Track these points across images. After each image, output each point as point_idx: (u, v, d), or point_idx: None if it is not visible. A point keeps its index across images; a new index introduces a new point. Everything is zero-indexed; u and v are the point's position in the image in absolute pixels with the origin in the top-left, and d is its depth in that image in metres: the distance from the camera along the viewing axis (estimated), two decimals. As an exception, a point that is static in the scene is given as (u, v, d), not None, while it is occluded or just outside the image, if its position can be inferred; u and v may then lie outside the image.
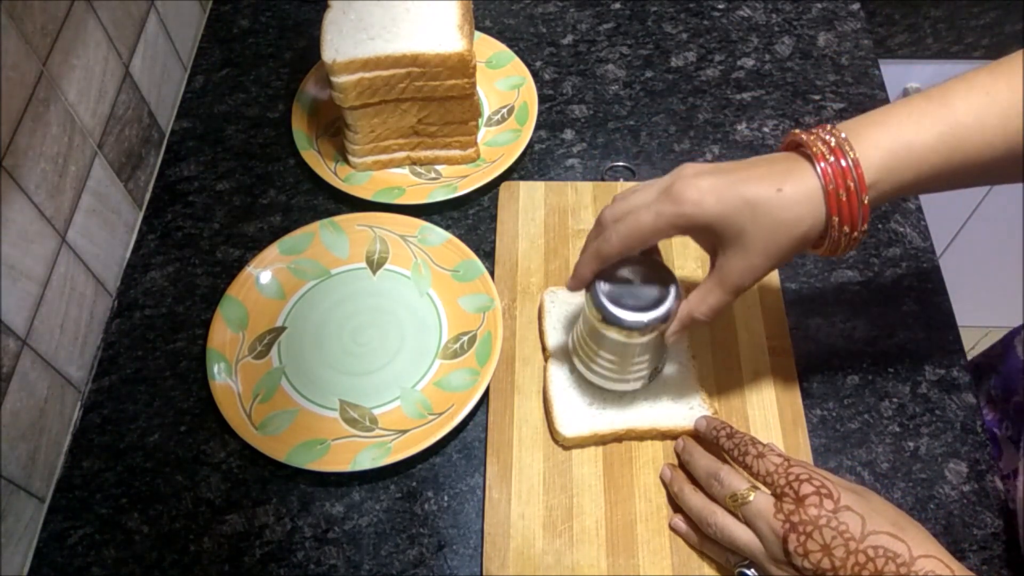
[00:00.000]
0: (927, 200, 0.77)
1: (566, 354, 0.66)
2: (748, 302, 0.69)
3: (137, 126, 0.76)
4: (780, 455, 0.54)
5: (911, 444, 0.64)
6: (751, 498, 0.53)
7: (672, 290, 0.56)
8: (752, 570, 0.53)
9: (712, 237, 0.53)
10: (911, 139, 0.50)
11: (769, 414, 0.64)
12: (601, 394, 0.64)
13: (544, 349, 0.67)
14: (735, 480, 0.55)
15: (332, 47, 0.70)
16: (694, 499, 0.57)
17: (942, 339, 0.69)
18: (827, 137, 0.50)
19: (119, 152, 0.73)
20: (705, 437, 0.60)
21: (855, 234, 0.51)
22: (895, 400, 0.66)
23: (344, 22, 0.72)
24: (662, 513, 0.60)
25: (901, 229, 0.75)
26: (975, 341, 0.94)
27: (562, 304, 0.68)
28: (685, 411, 0.63)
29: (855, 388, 0.67)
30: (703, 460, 0.58)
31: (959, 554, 0.59)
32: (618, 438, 0.63)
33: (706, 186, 0.51)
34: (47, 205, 0.62)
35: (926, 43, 1.25)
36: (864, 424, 0.65)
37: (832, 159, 0.50)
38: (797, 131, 0.53)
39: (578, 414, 0.63)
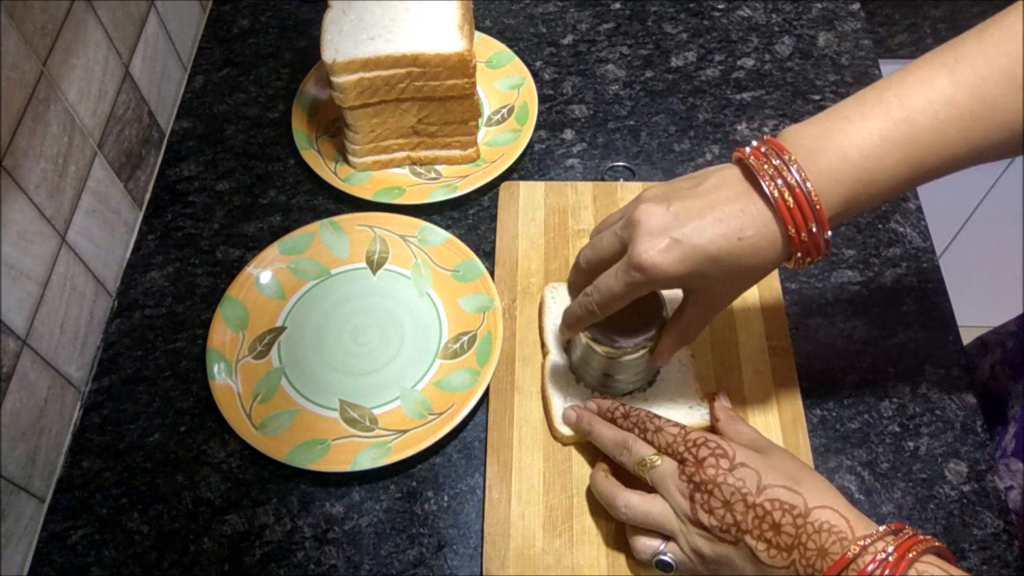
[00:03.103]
0: (927, 200, 0.77)
1: (565, 351, 0.66)
2: (748, 302, 0.69)
3: (137, 126, 0.76)
4: (677, 426, 0.56)
5: (911, 444, 0.64)
6: (659, 462, 0.55)
7: (659, 314, 0.60)
8: (669, 555, 0.54)
9: (681, 287, 0.55)
10: (874, 170, 0.49)
11: (769, 414, 0.64)
12: (599, 392, 0.64)
13: (543, 345, 0.67)
14: (642, 447, 0.56)
15: (332, 47, 0.70)
16: (604, 485, 0.58)
17: (942, 339, 0.69)
18: (785, 175, 0.49)
19: (119, 152, 0.73)
20: (601, 418, 0.61)
21: (818, 259, 0.52)
22: (895, 400, 0.66)
23: (344, 22, 0.72)
24: (662, 513, 0.60)
25: (901, 229, 0.75)
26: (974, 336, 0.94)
27: (563, 301, 0.68)
28: (685, 410, 0.63)
29: (855, 388, 0.67)
30: (607, 430, 0.59)
31: (959, 554, 0.59)
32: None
33: (664, 246, 0.50)
34: (47, 205, 0.62)
35: (926, 43, 1.25)
36: (864, 424, 0.65)
37: (792, 203, 0.49)
38: (745, 156, 0.51)
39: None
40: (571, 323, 0.60)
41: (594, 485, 0.59)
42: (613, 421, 0.60)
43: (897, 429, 0.65)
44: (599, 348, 0.60)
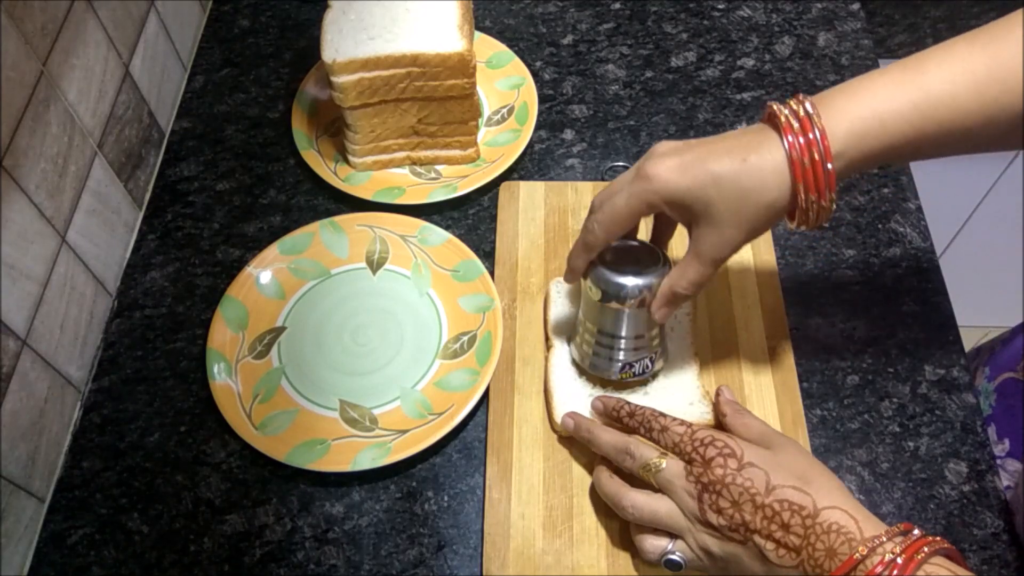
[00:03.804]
0: (927, 200, 0.77)
1: (568, 345, 0.66)
2: (748, 302, 0.69)
3: (137, 126, 0.76)
4: (683, 424, 0.55)
5: (911, 444, 0.64)
6: (663, 465, 0.54)
7: (663, 264, 0.59)
8: (678, 554, 0.54)
9: (685, 212, 0.54)
10: (881, 108, 0.50)
11: (769, 414, 0.64)
12: (602, 386, 0.64)
13: (547, 339, 0.67)
14: (645, 450, 0.56)
15: (332, 47, 0.70)
16: (609, 485, 0.57)
17: (942, 339, 0.69)
18: (796, 108, 0.51)
19: (119, 152, 0.73)
20: (607, 417, 0.61)
21: (823, 202, 0.51)
22: (895, 400, 0.66)
23: (344, 22, 0.72)
24: (662, 513, 0.60)
25: (901, 229, 0.75)
26: (975, 341, 0.94)
27: (568, 295, 0.69)
28: (685, 407, 0.63)
29: (855, 388, 0.67)
30: (606, 435, 0.58)
31: (959, 554, 0.59)
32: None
33: (673, 163, 0.52)
34: (47, 205, 0.62)
35: (926, 43, 1.25)
36: (864, 424, 0.65)
37: (798, 127, 0.50)
38: (772, 103, 0.53)
39: (578, 406, 0.63)
40: (574, 254, 0.59)
41: (599, 485, 0.58)
42: (619, 420, 0.59)
43: (897, 429, 0.65)
44: (599, 297, 0.59)
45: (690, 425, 0.55)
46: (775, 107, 0.52)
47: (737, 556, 0.51)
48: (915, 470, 0.63)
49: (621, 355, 0.62)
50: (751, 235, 0.53)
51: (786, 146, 0.50)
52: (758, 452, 0.53)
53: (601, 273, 0.59)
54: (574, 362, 0.66)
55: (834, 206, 0.51)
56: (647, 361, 0.63)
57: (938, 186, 1.23)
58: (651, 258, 0.60)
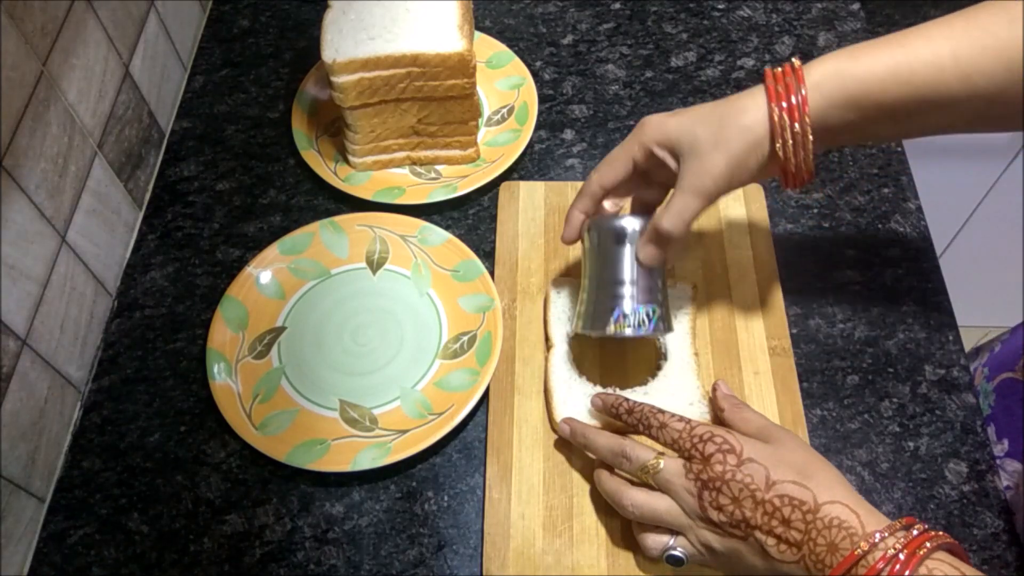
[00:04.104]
0: (927, 200, 0.77)
1: (569, 345, 0.66)
2: (748, 302, 0.69)
3: (137, 126, 0.76)
4: (681, 420, 0.56)
5: (911, 444, 0.64)
6: (661, 465, 0.54)
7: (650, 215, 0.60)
8: (679, 549, 0.54)
9: (673, 150, 0.57)
10: (859, 57, 0.54)
11: (769, 414, 0.64)
12: (603, 385, 0.64)
13: (547, 339, 0.67)
14: (641, 452, 0.56)
15: (332, 47, 0.69)
16: (609, 483, 0.57)
17: (942, 339, 0.69)
18: (784, 66, 0.56)
19: (119, 152, 0.73)
20: (606, 413, 0.61)
21: (797, 127, 0.54)
22: (895, 400, 0.66)
23: (344, 22, 0.72)
24: (662, 513, 0.60)
25: (901, 229, 0.75)
26: (975, 341, 0.94)
27: (568, 295, 0.69)
28: (684, 406, 0.63)
29: (855, 388, 0.67)
30: (602, 439, 0.58)
31: (959, 554, 0.59)
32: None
33: (664, 115, 0.59)
34: (47, 205, 0.62)
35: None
36: (864, 424, 0.65)
37: (779, 73, 0.55)
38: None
39: (578, 405, 0.63)
40: (571, 208, 0.62)
41: (600, 484, 0.58)
42: (617, 417, 0.59)
43: (897, 429, 0.65)
44: (590, 236, 0.61)
45: (689, 421, 0.55)
46: (771, 70, 0.57)
47: (738, 551, 0.51)
48: (915, 470, 0.63)
49: (616, 303, 0.60)
50: (733, 163, 0.55)
51: (765, 85, 0.55)
52: (757, 447, 0.53)
53: (597, 219, 0.62)
54: (575, 362, 0.66)
55: (810, 138, 0.54)
56: (643, 315, 0.60)
57: (938, 186, 1.23)
58: (645, 216, 0.61)
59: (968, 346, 0.74)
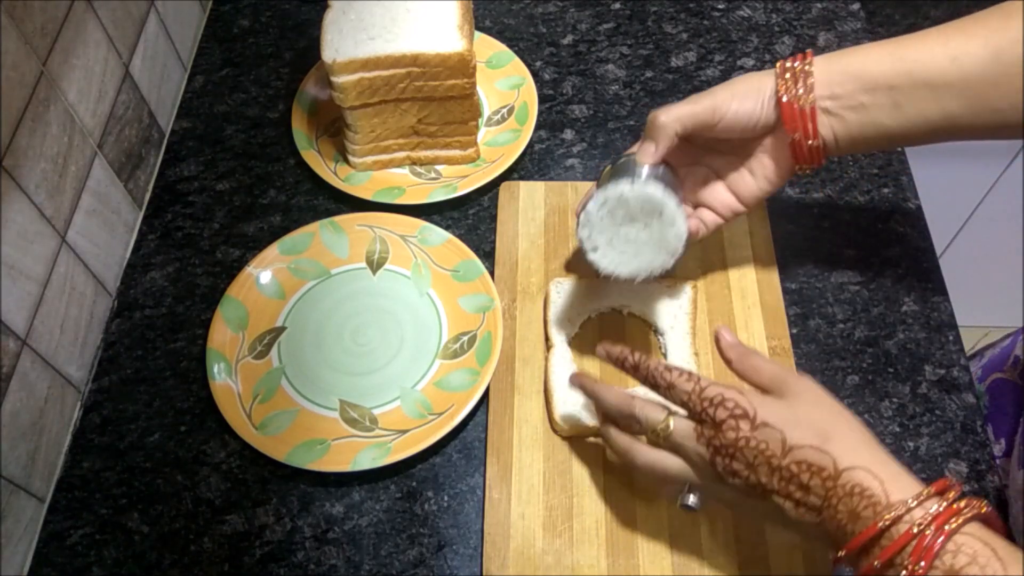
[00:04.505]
0: (927, 200, 0.77)
1: (569, 345, 0.66)
2: (748, 302, 0.69)
3: (137, 126, 0.76)
4: (690, 378, 0.52)
5: (911, 444, 0.64)
6: (672, 427, 0.52)
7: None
8: (693, 496, 0.52)
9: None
10: (860, 51, 0.59)
11: (769, 414, 0.63)
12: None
13: (548, 339, 0.67)
14: (651, 412, 0.53)
15: (332, 47, 0.69)
16: (619, 441, 0.55)
17: (942, 339, 0.69)
18: (798, 59, 0.60)
19: (119, 152, 0.73)
20: (612, 364, 0.57)
21: (802, 91, 0.58)
22: (895, 400, 0.66)
23: (344, 22, 0.72)
24: (662, 513, 0.60)
25: (901, 229, 0.75)
26: (975, 341, 0.94)
27: (568, 295, 0.69)
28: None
29: (855, 388, 0.66)
30: (611, 397, 0.55)
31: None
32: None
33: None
34: (47, 205, 0.62)
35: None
36: (864, 424, 0.65)
37: (788, 62, 0.60)
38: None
39: (578, 405, 0.63)
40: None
41: (608, 441, 0.56)
42: (623, 370, 0.56)
43: (897, 429, 0.65)
44: (607, 167, 0.62)
45: (698, 381, 0.52)
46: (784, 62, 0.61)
47: (755, 508, 0.50)
48: (915, 470, 0.62)
49: (630, 236, 0.59)
50: (736, 92, 0.60)
51: (776, 68, 0.60)
52: (772, 407, 0.49)
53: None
54: (575, 362, 0.66)
55: (813, 93, 0.58)
56: (638, 179, 0.60)
57: (938, 186, 1.23)
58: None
59: (968, 346, 0.74)
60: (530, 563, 0.58)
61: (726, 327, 0.56)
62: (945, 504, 0.43)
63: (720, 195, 0.65)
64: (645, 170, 0.61)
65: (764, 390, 0.51)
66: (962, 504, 0.44)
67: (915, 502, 0.44)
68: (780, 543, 0.59)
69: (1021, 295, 1.43)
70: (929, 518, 0.43)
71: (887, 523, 0.43)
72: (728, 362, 0.54)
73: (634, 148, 0.63)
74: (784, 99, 0.59)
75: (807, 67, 0.59)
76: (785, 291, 0.70)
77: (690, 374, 0.52)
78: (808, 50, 0.61)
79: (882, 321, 0.70)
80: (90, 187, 0.68)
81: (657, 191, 0.58)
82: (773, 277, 0.71)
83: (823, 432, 0.48)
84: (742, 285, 0.70)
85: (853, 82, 0.58)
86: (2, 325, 0.57)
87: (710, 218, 0.65)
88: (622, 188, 0.58)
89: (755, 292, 0.70)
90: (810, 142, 0.60)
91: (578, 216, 0.62)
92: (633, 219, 0.59)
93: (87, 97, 0.67)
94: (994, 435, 0.67)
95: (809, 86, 0.58)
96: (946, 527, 0.43)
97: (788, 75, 0.59)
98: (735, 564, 0.58)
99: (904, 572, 0.43)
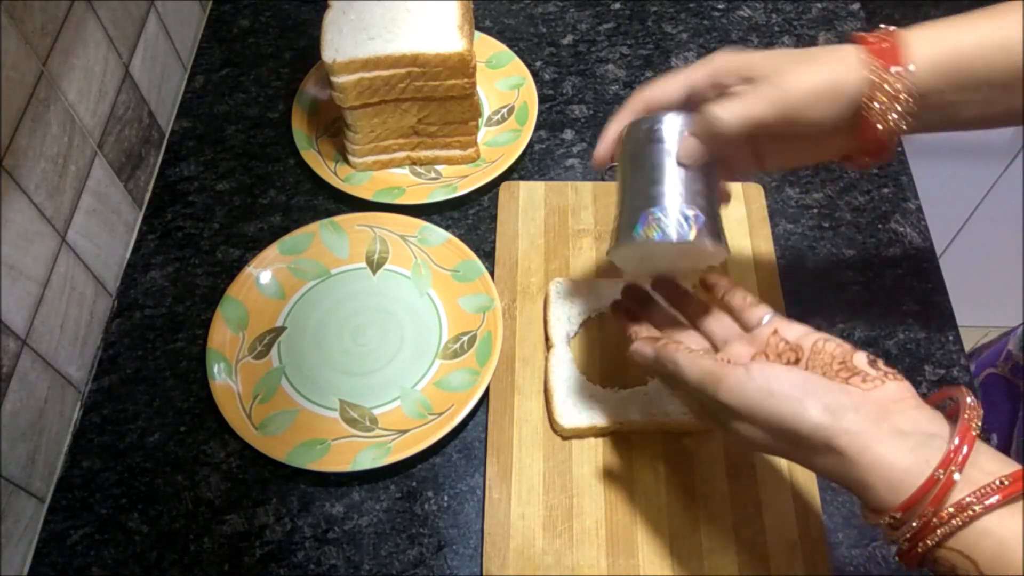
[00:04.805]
0: (927, 200, 0.77)
1: (569, 345, 0.66)
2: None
3: (137, 126, 0.76)
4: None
5: (911, 444, 0.64)
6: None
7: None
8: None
9: (746, 81, 0.51)
10: (955, 25, 0.50)
11: (769, 414, 0.64)
12: (601, 386, 0.64)
13: (548, 339, 0.67)
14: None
15: (332, 47, 0.69)
16: (702, 363, 0.49)
17: (942, 339, 0.69)
18: (880, 31, 0.51)
19: (119, 152, 0.73)
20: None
21: (896, 86, 0.49)
22: (895, 400, 0.66)
23: (344, 22, 0.72)
24: (662, 513, 0.60)
25: (901, 229, 0.75)
26: (975, 341, 0.94)
27: (568, 295, 0.69)
28: (685, 406, 0.63)
29: (855, 388, 0.66)
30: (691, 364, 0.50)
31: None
32: (617, 431, 0.63)
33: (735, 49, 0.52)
34: (47, 205, 0.62)
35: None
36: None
37: (870, 33, 0.51)
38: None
39: (578, 406, 0.63)
40: (609, 123, 0.55)
41: (686, 367, 0.49)
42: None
43: (897, 429, 0.65)
44: (626, 136, 0.53)
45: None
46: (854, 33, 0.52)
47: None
48: (915, 470, 0.63)
49: (649, 203, 0.51)
50: (818, 87, 0.50)
51: (859, 40, 0.51)
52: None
53: (630, 123, 0.53)
54: (575, 362, 0.66)
55: (903, 95, 0.49)
56: (679, 217, 0.50)
57: (938, 186, 1.23)
58: (688, 112, 0.53)
59: (968, 346, 0.74)
60: (530, 563, 0.58)
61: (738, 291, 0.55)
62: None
63: (745, 160, 0.57)
64: (684, 181, 0.51)
65: None
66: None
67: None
68: (780, 543, 0.59)
69: (1021, 295, 1.43)
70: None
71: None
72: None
73: (660, 95, 0.54)
74: (868, 117, 0.50)
75: (907, 87, 0.49)
76: (785, 291, 0.70)
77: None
78: (902, 49, 0.50)
79: (882, 321, 0.70)
80: (90, 187, 0.68)
81: (705, 242, 0.51)
82: (773, 277, 0.71)
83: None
84: (742, 285, 0.70)
85: (948, 81, 0.50)
86: (2, 325, 0.57)
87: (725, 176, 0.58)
88: (661, 239, 0.50)
89: (755, 292, 0.69)
90: (873, 158, 0.53)
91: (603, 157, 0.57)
92: (671, 256, 0.55)
93: (87, 97, 0.67)
94: (987, 429, 0.67)
95: (903, 110, 0.50)
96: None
97: (882, 96, 0.49)
98: (735, 564, 0.58)
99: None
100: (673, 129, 0.52)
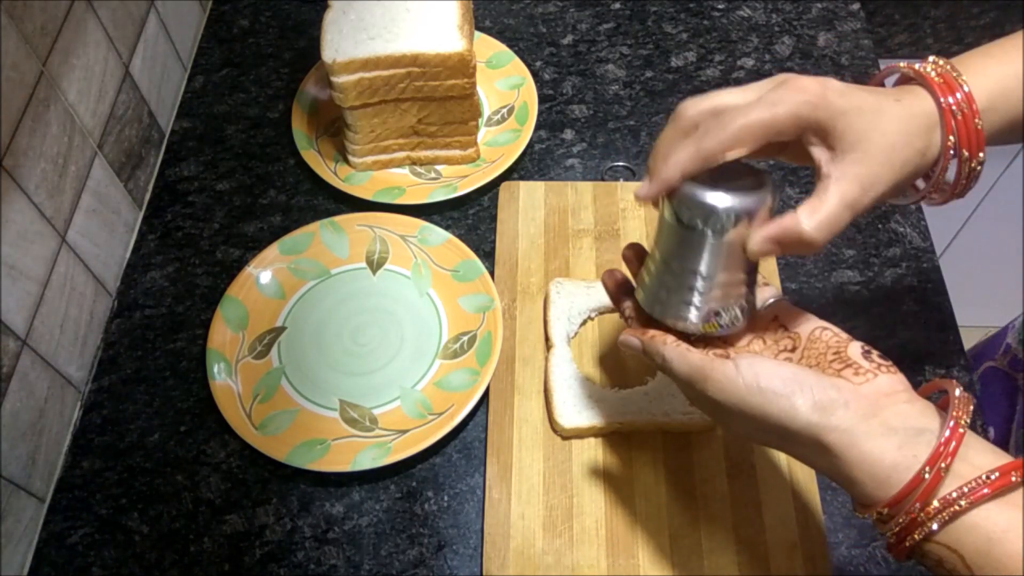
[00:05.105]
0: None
1: (569, 345, 0.66)
2: (748, 302, 0.69)
3: (137, 126, 0.76)
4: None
5: (911, 444, 0.64)
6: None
7: (767, 187, 0.48)
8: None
9: (827, 140, 0.47)
10: (1010, 52, 0.49)
11: (769, 414, 0.64)
12: (601, 386, 0.64)
13: (548, 339, 0.67)
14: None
15: (332, 47, 0.70)
16: (692, 356, 0.49)
17: (942, 339, 0.69)
18: (935, 66, 0.49)
19: (119, 152, 0.73)
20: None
21: (972, 163, 0.48)
22: (895, 400, 0.66)
23: (344, 22, 0.72)
24: (662, 513, 0.60)
25: (901, 229, 0.75)
26: (975, 341, 0.95)
27: (568, 295, 0.69)
28: (685, 406, 0.63)
29: (855, 388, 0.66)
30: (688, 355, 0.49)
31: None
32: (617, 431, 0.63)
33: (826, 81, 0.47)
34: (47, 205, 0.62)
35: (926, 43, 1.25)
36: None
37: (943, 83, 0.48)
38: (897, 63, 0.51)
39: (578, 406, 0.63)
40: (676, 161, 0.47)
41: (676, 361, 0.49)
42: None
43: (897, 429, 0.65)
44: (679, 211, 0.48)
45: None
46: (914, 67, 0.50)
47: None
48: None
49: (704, 299, 0.49)
50: (896, 181, 0.47)
51: (935, 95, 0.48)
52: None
53: (688, 189, 0.47)
54: (575, 362, 0.66)
55: (980, 169, 0.48)
56: (736, 311, 0.50)
57: (938, 186, 1.22)
58: (751, 177, 0.48)
59: (968, 346, 0.74)
60: (530, 563, 0.58)
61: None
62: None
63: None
64: (739, 275, 0.49)
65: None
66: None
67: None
68: (780, 543, 0.59)
69: (1021, 295, 1.43)
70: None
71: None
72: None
73: (734, 139, 0.47)
74: (939, 173, 0.49)
75: (974, 112, 0.48)
76: (785, 291, 0.70)
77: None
78: (951, 64, 0.48)
79: (882, 321, 0.70)
80: (90, 187, 0.68)
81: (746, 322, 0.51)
82: (773, 277, 0.71)
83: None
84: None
85: (1000, 116, 0.49)
86: (2, 325, 0.57)
87: None
88: (721, 333, 0.50)
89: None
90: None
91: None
92: None
93: (87, 97, 0.67)
94: (985, 423, 0.67)
95: (980, 140, 0.48)
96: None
97: (954, 119, 0.48)
98: (735, 564, 0.58)
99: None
100: (730, 216, 0.47)
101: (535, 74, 0.84)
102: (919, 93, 0.49)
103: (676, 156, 0.47)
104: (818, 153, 0.47)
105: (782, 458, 0.62)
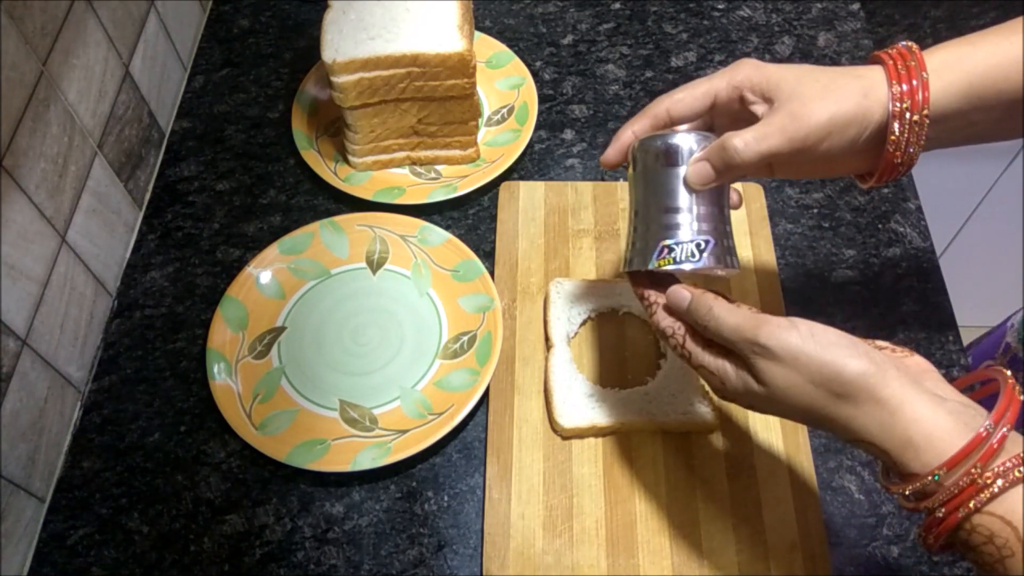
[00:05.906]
0: (927, 200, 0.77)
1: (569, 345, 0.66)
2: (748, 302, 0.69)
3: (137, 126, 0.76)
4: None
5: (911, 444, 0.64)
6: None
7: (711, 138, 0.52)
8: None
9: (766, 96, 0.51)
10: (978, 44, 0.50)
11: (770, 417, 0.63)
12: (601, 386, 0.64)
13: (547, 339, 0.67)
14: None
15: (332, 47, 0.70)
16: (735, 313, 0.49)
17: (942, 339, 0.69)
18: (895, 47, 0.52)
19: (119, 152, 0.73)
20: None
21: (915, 117, 0.49)
22: (895, 400, 0.66)
23: (344, 22, 0.72)
24: (662, 513, 0.60)
25: (901, 229, 0.75)
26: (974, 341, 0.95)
27: (568, 295, 0.69)
28: (685, 406, 0.63)
29: (855, 388, 0.66)
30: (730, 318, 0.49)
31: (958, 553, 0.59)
32: (617, 431, 0.63)
33: (764, 63, 0.52)
34: (47, 205, 0.62)
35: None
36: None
37: (895, 52, 0.51)
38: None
39: (578, 405, 0.63)
40: (622, 128, 0.54)
41: (720, 316, 0.48)
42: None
43: (897, 429, 0.65)
44: (636, 154, 0.52)
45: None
46: (878, 53, 0.52)
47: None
48: (915, 470, 0.63)
49: (663, 234, 0.51)
50: (836, 120, 0.49)
51: (883, 63, 0.51)
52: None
53: (644, 138, 0.53)
54: (575, 362, 0.66)
55: (927, 123, 0.49)
56: (691, 248, 0.51)
57: (938, 186, 1.23)
58: (697, 133, 0.53)
59: (967, 345, 0.74)
60: (530, 563, 0.58)
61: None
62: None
63: (755, 171, 0.54)
64: (696, 205, 0.51)
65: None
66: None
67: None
68: (780, 543, 0.59)
69: (1021, 295, 1.43)
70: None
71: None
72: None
73: (681, 107, 0.53)
74: (891, 149, 0.50)
75: (924, 117, 0.49)
76: (785, 291, 0.70)
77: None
78: (924, 76, 0.49)
79: (882, 321, 0.70)
80: (90, 187, 0.68)
81: (715, 268, 0.52)
82: (773, 277, 0.71)
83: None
84: (742, 285, 0.70)
85: (969, 103, 0.50)
86: (2, 325, 0.57)
87: None
88: (674, 269, 0.51)
89: (755, 292, 0.70)
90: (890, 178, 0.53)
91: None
92: (682, 275, 0.54)
93: (87, 97, 0.67)
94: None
95: (924, 136, 0.50)
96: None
97: (903, 127, 0.49)
98: (735, 564, 0.58)
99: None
100: (687, 151, 0.51)
101: (535, 74, 0.84)
102: (869, 66, 0.52)
103: (629, 122, 0.54)
104: (759, 108, 0.51)
105: (782, 458, 0.62)
